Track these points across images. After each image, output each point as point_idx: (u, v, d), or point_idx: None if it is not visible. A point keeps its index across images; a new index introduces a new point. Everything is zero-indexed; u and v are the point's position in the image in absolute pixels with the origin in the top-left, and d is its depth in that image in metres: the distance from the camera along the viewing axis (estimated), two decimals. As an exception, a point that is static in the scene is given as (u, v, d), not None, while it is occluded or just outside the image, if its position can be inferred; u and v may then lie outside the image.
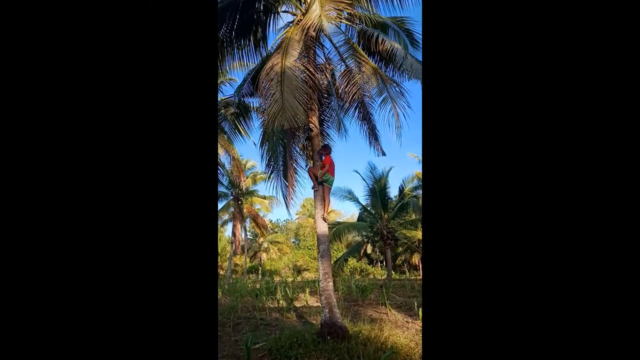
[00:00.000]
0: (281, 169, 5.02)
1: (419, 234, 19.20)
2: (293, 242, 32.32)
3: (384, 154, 5.42)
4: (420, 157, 19.97)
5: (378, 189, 11.63)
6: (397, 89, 4.51)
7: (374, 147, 5.51)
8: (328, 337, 3.73)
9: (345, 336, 3.82)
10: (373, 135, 5.45)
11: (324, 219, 4.48)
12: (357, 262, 23.96)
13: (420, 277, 16.09)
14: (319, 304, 8.22)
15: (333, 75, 5.85)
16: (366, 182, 11.93)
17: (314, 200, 4.60)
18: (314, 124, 4.75)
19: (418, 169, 19.97)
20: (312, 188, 4.65)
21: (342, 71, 5.49)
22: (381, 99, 4.58)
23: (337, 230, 12.30)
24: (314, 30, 4.48)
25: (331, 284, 4.23)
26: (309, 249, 29.45)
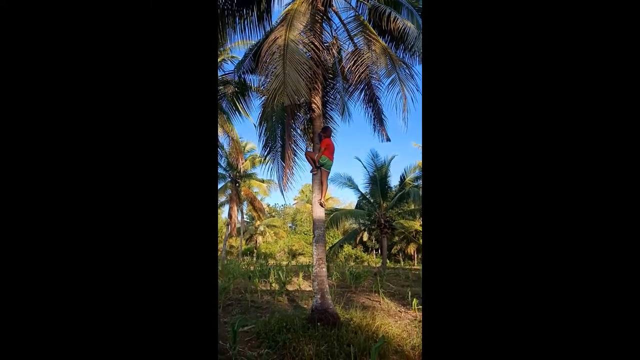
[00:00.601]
0: (279, 150, 4.82)
1: (416, 224, 19.27)
2: (290, 226, 32.45)
3: (388, 139, 5.22)
4: (423, 148, 19.74)
5: (379, 177, 11.46)
6: (407, 70, 4.27)
7: (379, 132, 5.30)
8: (318, 324, 3.65)
9: (336, 323, 3.74)
10: (379, 119, 5.24)
11: (321, 204, 4.33)
12: (352, 249, 24.11)
13: (415, 267, 16.24)
14: (311, 289, 8.24)
15: (340, 54, 5.59)
16: (367, 170, 11.77)
17: (312, 184, 4.44)
18: (316, 104, 4.53)
19: (420, 159, 19.87)
20: (311, 172, 4.48)
21: (350, 51, 5.25)
22: (389, 80, 4.34)
23: (335, 216, 12.21)
24: (321, 5, 4.21)
25: (325, 269, 4.13)
26: (305, 234, 29.62)
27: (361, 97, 5.59)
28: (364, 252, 25.22)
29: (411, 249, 22.90)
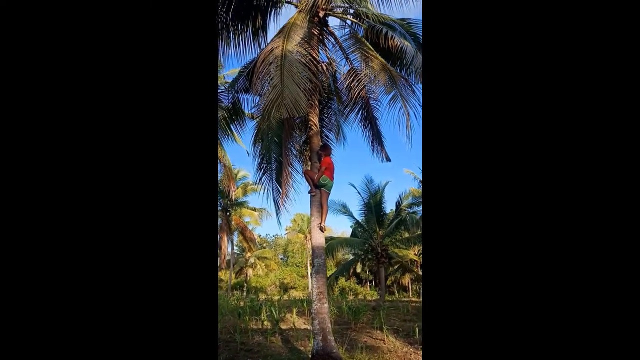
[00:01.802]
0: (274, 171, 4.45)
1: (410, 253, 18.67)
2: (281, 258, 31.24)
3: (388, 159, 4.93)
4: (415, 174, 19.87)
5: (373, 204, 11.11)
6: (407, 86, 4.08)
7: (378, 152, 5.02)
8: (321, 372, 3.07)
9: (342, 371, 3.16)
10: (378, 140, 4.98)
11: (321, 229, 3.89)
12: (345, 281, 23.09)
13: (413, 300, 15.51)
14: (307, 327, 7.50)
15: (335, 77, 5.45)
16: (361, 196, 11.43)
17: (310, 206, 4.03)
18: (313, 121, 4.25)
19: (413, 186, 19.79)
20: (309, 192, 4.09)
21: (347, 71, 5.11)
22: (390, 96, 4.12)
23: (330, 245, 11.60)
24: (318, 18, 4.07)
25: (326, 305, 3.60)
26: (297, 266, 28.60)
27: (358, 117, 5.38)
28: (357, 284, 24.18)
29: (406, 279, 22.07)
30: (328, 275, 16.08)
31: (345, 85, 5.20)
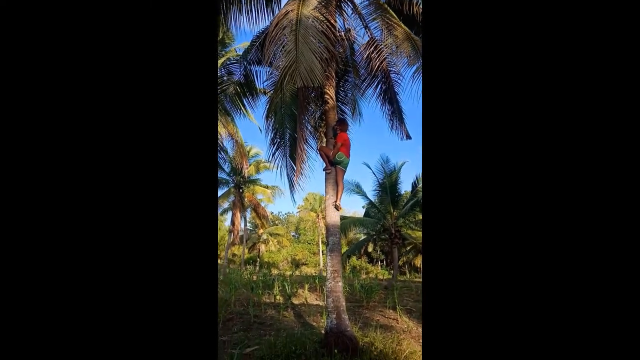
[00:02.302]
0: (288, 146, 4.29)
1: (423, 235, 18.48)
2: (293, 235, 31.75)
3: (409, 137, 4.68)
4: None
5: (389, 185, 10.87)
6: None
7: (398, 129, 4.77)
8: (335, 350, 3.05)
9: (356, 349, 3.13)
10: (398, 116, 4.71)
11: (336, 207, 3.77)
12: (356, 260, 23.34)
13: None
14: (318, 303, 7.61)
15: (352, 48, 5.12)
16: (376, 176, 11.18)
17: (324, 184, 3.89)
18: (329, 94, 4.03)
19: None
20: (324, 170, 3.94)
21: (367, 41, 4.79)
22: (414, 69, 3.83)
23: (343, 225, 11.58)
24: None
25: (340, 284, 3.54)
26: (309, 243, 29.05)
27: (376, 92, 5.10)
28: (368, 263, 24.44)
29: (418, 260, 22.11)
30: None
31: (365, 57, 4.92)
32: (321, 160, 3.96)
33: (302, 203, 30.34)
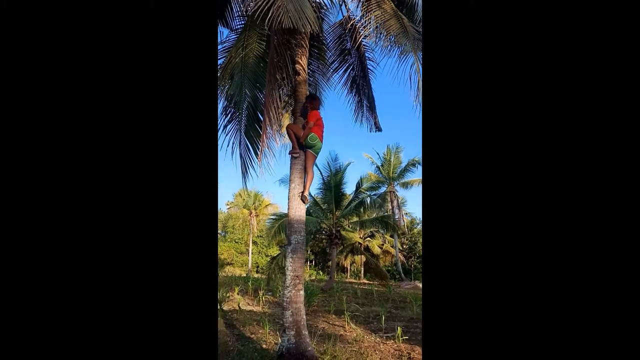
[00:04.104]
0: (244, 120, 3.46)
1: (356, 236, 18.88)
2: (220, 233, 29.52)
3: (379, 129, 4.27)
4: (374, 159, 19.91)
5: (334, 183, 10.57)
6: (420, 39, 3.41)
7: (368, 120, 4.33)
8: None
9: (321, 376, 2.51)
10: (369, 104, 4.27)
11: (303, 199, 3.11)
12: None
13: (365, 282, 15.73)
14: (252, 308, 6.77)
15: (321, 27, 4.54)
16: (321, 174, 10.77)
17: (290, 170, 3.19)
18: (301, 65, 3.36)
19: (371, 170, 19.85)
20: (290, 153, 3.24)
21: (340, 20, 4.27)
22: (400, 50, 3.41)
23: (282, 224, 10.82)
24: None
25: (302, 292, 2.88)
26: (236, 242, 27.37)
27: (344, 78, 4.61)
28: (298, 263, 24.04)
29: (348, 261, 22.58)
30: (274, 255, 15.39)
31: (338, 36, 4.39)
32: (288, 140, 3.24)
33: (232, 199, 28.43)
